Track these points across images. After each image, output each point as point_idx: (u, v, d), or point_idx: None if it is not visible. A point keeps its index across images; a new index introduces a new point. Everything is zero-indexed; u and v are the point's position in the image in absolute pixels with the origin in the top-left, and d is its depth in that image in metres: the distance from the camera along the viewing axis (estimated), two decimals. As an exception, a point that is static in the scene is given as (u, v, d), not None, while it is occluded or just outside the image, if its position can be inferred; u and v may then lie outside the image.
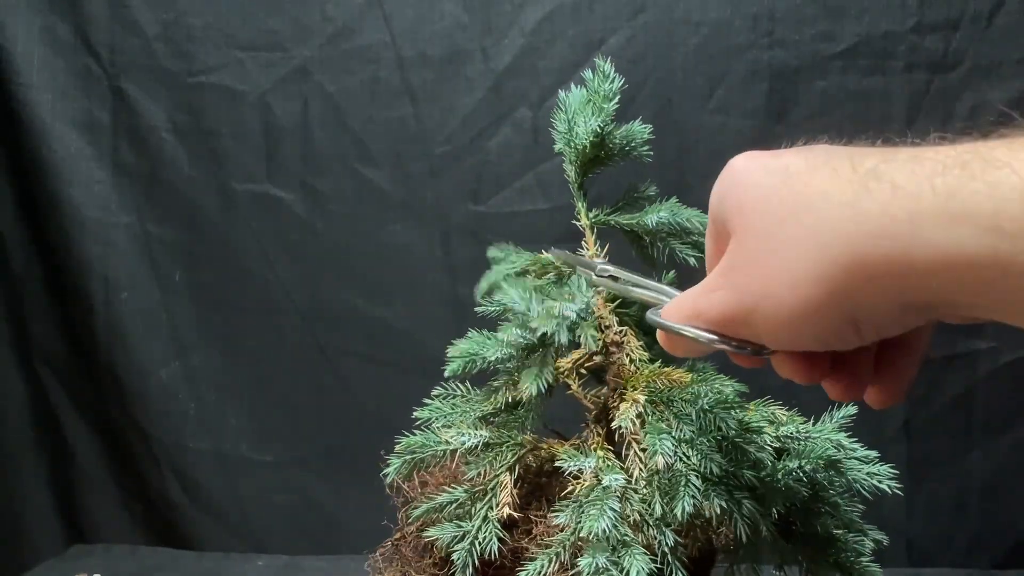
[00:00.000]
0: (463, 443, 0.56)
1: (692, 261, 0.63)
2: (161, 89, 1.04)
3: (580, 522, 0.51)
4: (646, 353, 0.61)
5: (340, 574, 1.03)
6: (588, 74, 0.65)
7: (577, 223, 0.66)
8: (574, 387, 0.63)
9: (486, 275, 0.65)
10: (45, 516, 1.09)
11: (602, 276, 0.54)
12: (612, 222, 0.65)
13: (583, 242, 0.65)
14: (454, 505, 0.57)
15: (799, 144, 0.36)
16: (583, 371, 0.63)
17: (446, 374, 0.57)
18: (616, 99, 0.63)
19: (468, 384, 0.62)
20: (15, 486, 1.05)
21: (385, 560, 0.64)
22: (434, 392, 0.62)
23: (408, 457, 0.58)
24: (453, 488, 0.58)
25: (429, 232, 1.04)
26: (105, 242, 1.05)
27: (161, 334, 1.07)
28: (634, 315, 0.66)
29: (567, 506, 0.53)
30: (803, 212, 0.31)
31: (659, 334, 0.41)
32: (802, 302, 0.32)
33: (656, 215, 0.62)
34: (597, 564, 0.49)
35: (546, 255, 0.65)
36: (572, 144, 0.63)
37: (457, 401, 0.61)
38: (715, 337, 0.36)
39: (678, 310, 0.38)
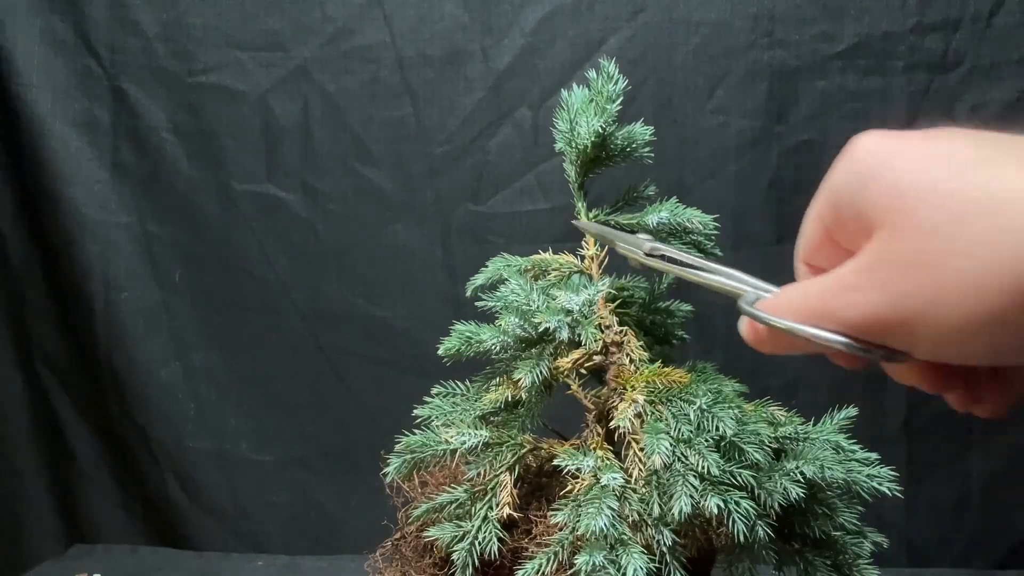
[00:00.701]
0: (463, 443, 0.56)
1: (694, 261, 0.63)
2: (161, 89, 1.04)
3: (578, 520, 0.51)
4: (646, 353, 0.61)
5: (340, 574, 1.04)
6: (591, 74, 0.65)
7: (577, 223, 0.66)
8: (574, 387, 0.63)
9: (482, 271, 0.66)
10: (45, 516, 1.09)
11: (653, 256, 0.47)
12: (612, 222, 0.65)
13: (583, 242, 0.65)
14: (454, 505, 0.57)
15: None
16: (583, 371, 0.63)
17: (440, 352, 0.57)
18: (619, 100, 0.63)
19: (467, 383, 0.62)
20: (15, 486, 1.06)
21: (385, 560, 0.64)
22: (434, 390, 0.62)
23: (408, 457, 0.58)
24: (453, 488, 0.58)
25: (429, 232, 1.04)
26: (105, 242, 1.05)
27: (161, 334, 1.07)
28: (634, 315, 0.66)
29: (566, 505, 0.53)
30: (994, 210, 0.27)
31: (746, 328, 0.37)
32: (986, 312, 0.28)
33: (657, 215, 0.62)
34: (594, 562, 0.49)
35: (546, 255, 0.65)
36: (573, 144, 0.63)
37: (457, 399, 0.61)
38: (845, 340, 0.31)
39: (790, 306, 0.33)
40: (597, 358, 0.61)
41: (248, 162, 1.04)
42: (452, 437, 0.56)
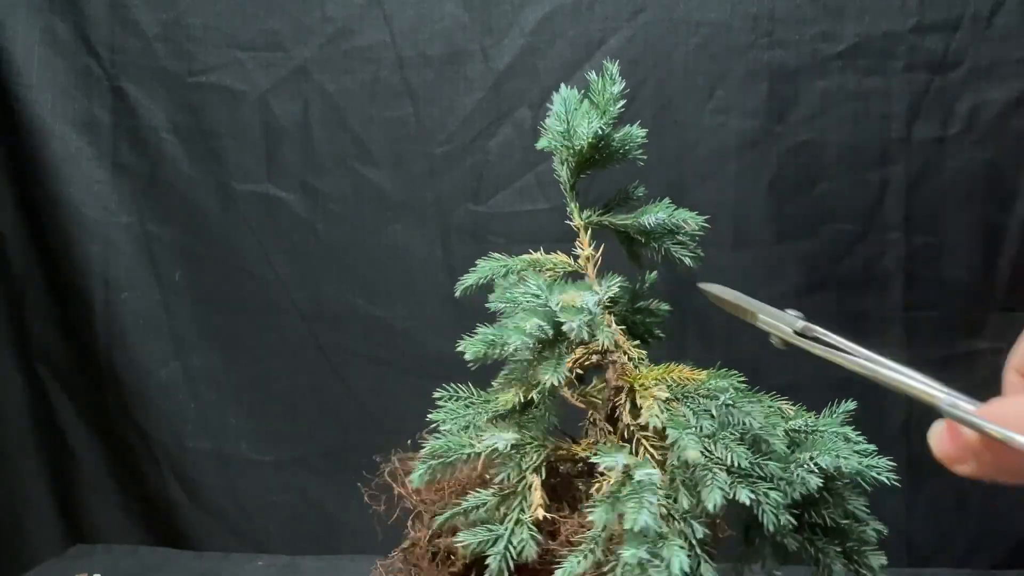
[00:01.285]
0: (490, 445, 0.54)
1: (688, 261, 0.64)
2: (161, 89, 1.04)
3: (610, 517, 0.50)
4: (643, 351, 0.61)
5: (340, 574, 1.03)
6: (592, 75, 0.65)
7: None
8: (564, 388, 0.63)
9: (471, 271, 0.65)
10: (45, 516, 1.09)
11: (805, 336, 0.44)
12: (607, 222, 0.65)
13: (576, 242, 0.65)
14: (482, 509, 0.56)
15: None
16: (579, 370, 0.63)
17: (467, 357, 0.54)
18: (621, 102, 0.63)
19: (469, 384, 0.62)
20: (15, 486, 1.05)
21: (392, 572, 0.63)
22: (438, 393, 0.62)
23: (434, 463, 0.56)
24: (479, 492, 0.57)
25: (429, 232, 1.04)
26: (105, 242, 1.05)
27: (161, 334, 1.07)
28: (618, 314, 0.66)
29: (600, 503, 0.52)
30: None
31: (945, 435, 0.33)
32: None
33: (654, 215, 0.63)
34: (640, 557, 0.48)
35: (538, 254, 0.65)
36: (570, 144, 0.63)
37: (471, 402, 0.60)
38: None
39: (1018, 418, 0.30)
40: (595, 357, 0.61)
41: (248, 162, 1.04)
42: (477, 440, 0.55)
